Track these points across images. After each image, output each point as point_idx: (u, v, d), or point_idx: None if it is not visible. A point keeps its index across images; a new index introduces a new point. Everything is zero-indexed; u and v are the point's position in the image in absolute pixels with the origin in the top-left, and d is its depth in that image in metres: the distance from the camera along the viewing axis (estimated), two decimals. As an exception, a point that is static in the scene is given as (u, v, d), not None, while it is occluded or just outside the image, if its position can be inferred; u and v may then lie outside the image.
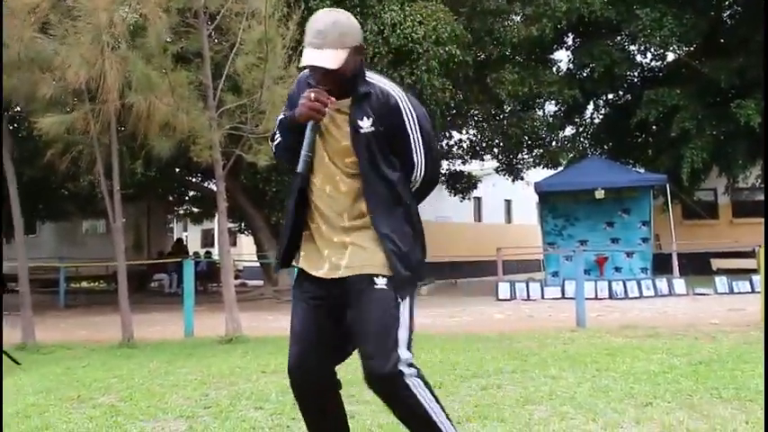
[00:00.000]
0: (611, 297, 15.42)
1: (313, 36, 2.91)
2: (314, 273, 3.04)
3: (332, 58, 2.89)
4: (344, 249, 3.00)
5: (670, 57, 22.22)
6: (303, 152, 2.92)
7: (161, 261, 21.95)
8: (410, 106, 3.05)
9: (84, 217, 24.52)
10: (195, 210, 28.84)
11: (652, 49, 21.46)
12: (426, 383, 2.91)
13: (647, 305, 13.69)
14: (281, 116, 3.14)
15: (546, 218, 18.57)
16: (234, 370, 7.01)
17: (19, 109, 12.01)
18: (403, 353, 2.85)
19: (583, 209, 17.82)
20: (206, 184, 23.28)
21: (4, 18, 9.11)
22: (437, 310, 14.15)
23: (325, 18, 2.95)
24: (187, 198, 27.43)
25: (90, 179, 10.62)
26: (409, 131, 3.03)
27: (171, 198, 26.85)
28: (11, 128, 11.48)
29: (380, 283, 2.92)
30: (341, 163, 3.04)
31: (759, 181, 21.81)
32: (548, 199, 18.34)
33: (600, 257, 17.33)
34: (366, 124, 2.98)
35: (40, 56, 9.25)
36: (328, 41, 2.89)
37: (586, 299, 10.88)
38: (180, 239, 29.71)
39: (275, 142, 3.17)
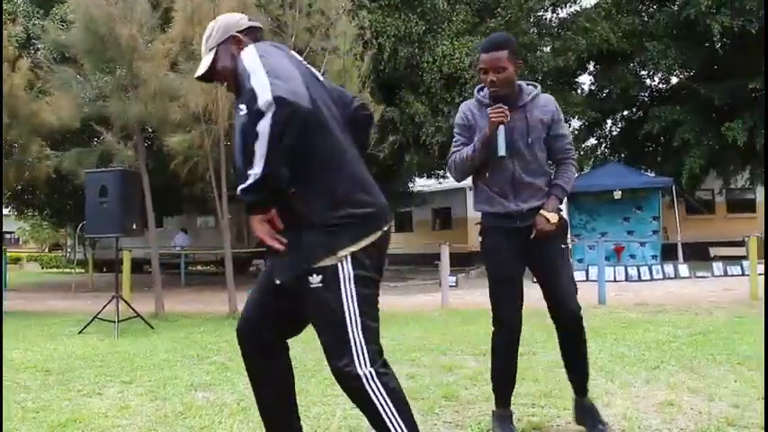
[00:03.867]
0: (626, 280, 15.16)
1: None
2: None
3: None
4: None
5: (674, 80, 22.11)
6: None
7: (258, 250, 22.27)
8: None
9: (199, 214, 25.01)
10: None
11: (659, 74, 21.45)
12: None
13: (656, 286, 13.45)
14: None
15: (573, 214, 18.33)
16: (317, 337, 7.12)
17: (152, 130, 12.35)
18: None
19: (603, 206, 17.60)
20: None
21: (147, 61, 9.41)
22: (483, 290, 14.08)
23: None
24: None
25: (202, 185, 10.85)
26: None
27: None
28: (146, 144, 11.79)
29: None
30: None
31: (748, 183, 21.79)
32: (574, 198, 18.07)
33: (617, 247, 17.09)
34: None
35: (169, 89, 9.52)
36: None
37: (606, 281, 10.76)
38: (274, 231, 30.12)
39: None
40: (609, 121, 24.23)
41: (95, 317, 8.32)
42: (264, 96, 2.08)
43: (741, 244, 16.20)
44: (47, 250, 39.18)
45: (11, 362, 5.89)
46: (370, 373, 2.22)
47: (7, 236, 43.71)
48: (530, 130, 3.24)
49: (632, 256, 17.32)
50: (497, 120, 3.11)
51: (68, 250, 32.75)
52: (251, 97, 2.11)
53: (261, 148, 2.08)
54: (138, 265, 18.68)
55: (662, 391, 4.04)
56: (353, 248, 2.21)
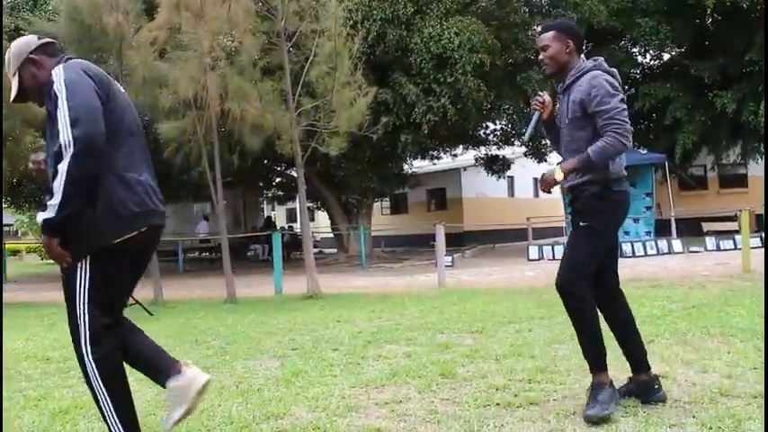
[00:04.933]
0: (621, 256, 15.12)
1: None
2: None
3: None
4: None
5: (665, 57, 21.94)
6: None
7: (255, 234, 22.31)
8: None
9: (195, 200, 24.99)
10: (280, 192, 29.15)
11: (650, 51, 21.31)
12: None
13: (650, 261, 13.49)
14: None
15: (567, 192, 18.31)
16: (314, 320, 7.16)
17: (144, 117, 12.31)
18: None
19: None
20: (288, 172, 23.56)
21: (134, 50, 9.35)
22: (478, 269, 14.16)
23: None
24: (274, 183, 27.74)
25: (198, 170, 10.85)
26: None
27: (261, 183, 27.19)
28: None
29: None
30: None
31: (740, 158, 21.80)
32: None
33: (618, 222, 17.11)
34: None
35: (158, 76, 9.47)
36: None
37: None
38: (269, 217, 30.17)
39: None
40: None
41: (94, 305, 8.34)
42: (65, 135, 2.43)
43: (733, 219, 16.24)
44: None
45: (12, 352, 5.90)
46: (89, 361, 2.59)
47: (6, 228, 43.47)
48: (569, 110, 3.37)
49: (626, 233, 17.30)
50: (533, 108, 3.51)
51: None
52: (57, 127, 2.47)
53: (60, 185, 2.41)
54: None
55: (656, 364, 4.05)
56: (91, 250, 2.57)
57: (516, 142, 24.80)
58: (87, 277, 2.58)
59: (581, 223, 3.37)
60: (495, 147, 25.69)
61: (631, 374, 3.44)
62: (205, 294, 11.12)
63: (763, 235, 14.15)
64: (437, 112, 16.02)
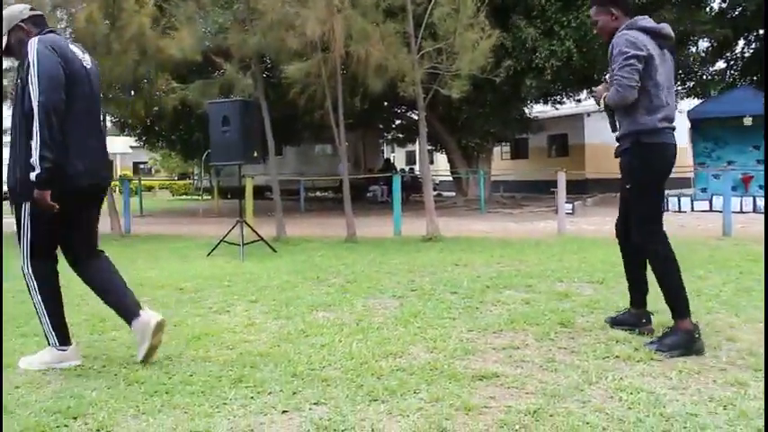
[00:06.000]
0: (754, 211, 14.29)
1: None
2: None
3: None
4: None
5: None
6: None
7: (375, 176, 22.57)
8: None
9: (317, 142, 25.45)
10: (400, 135, 29.19)
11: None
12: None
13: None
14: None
15: (697, 141, 17.28)
16: (433, 262, 7.20)
17: (270, 61, 12.56)
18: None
19: (731, 133, 16.38)
20: (409, 114, 23.50)
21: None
22: (600, 218, 13.72)
23: None
24: (394, 126, 27.80)
25: (321, 112, 10.99)
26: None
27: (381, 126, 27.30)
28: (264, 76, 12.01)
29: None
30: None
31: None
32: (699, 124, 16.99)
33: (746, 176, 16.02)
34: None
35: (286, 18, 9.58)
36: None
37: (732, 212, 10.17)
38: (388, 159, 30.33)
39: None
40: (741, 42, 22.30)
41: (222, 240, 8.76)
42: (33, 102, 3.01)
43: None
44: (176, 179, 41.22)
45: (148, 280, 6.32)
46: (28, 273, 3.28)
47: (141, 166, 47.00)
48: (611, 69, 3.63)
49: (762, 187, 16.21)
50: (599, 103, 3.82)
51: (195, 178, 34.43)
52: (29, 94, 3.04)
53: (35, 145, 2.99)
54: (260, 192, 19.39)
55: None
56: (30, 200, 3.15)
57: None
58: (29, 220, 3.21)
59: (626, 186, 3.68)
60: (621, 92, 24.55)
61: (630, 307, 3.95)
62: (325, 233, 11.38)
63: (763, 205, 12.86)
64: (560, 57, 15.40)
